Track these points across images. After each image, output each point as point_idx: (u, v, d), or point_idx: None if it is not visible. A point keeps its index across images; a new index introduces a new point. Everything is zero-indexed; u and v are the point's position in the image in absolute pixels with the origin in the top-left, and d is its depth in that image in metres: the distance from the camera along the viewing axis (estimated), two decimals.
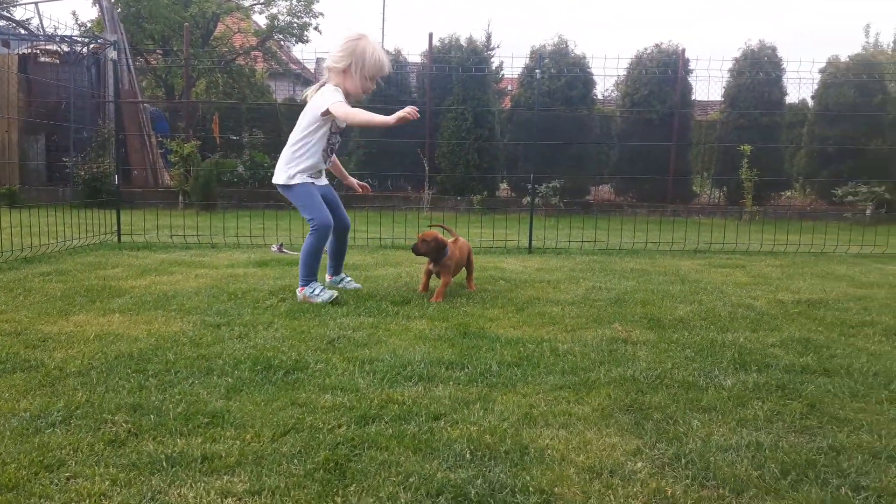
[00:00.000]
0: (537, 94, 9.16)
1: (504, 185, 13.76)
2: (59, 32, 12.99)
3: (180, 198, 11.41)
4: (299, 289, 3.98)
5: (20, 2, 15.69)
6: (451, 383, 2.60)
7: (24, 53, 13.19)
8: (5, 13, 15.36)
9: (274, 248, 6.22)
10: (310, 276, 3.99)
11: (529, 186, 7.93)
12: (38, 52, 13.34)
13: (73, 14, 18.93)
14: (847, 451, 2.06)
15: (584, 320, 3.69)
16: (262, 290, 4.24)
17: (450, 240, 4.39)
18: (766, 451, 2.03)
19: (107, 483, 1.74)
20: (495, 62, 16.15)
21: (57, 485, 1.74)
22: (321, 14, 18.69)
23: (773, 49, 12.51)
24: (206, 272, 4.95)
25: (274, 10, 18.55)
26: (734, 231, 8.27)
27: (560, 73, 12.42)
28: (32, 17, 15.26)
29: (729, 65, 12.83)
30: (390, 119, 3.68)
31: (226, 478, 1.79)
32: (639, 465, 1.93)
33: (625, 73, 13.05)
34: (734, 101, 12.54)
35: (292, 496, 1.70)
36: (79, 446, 1.95)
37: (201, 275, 4.82)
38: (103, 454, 1.91)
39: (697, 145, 13.62)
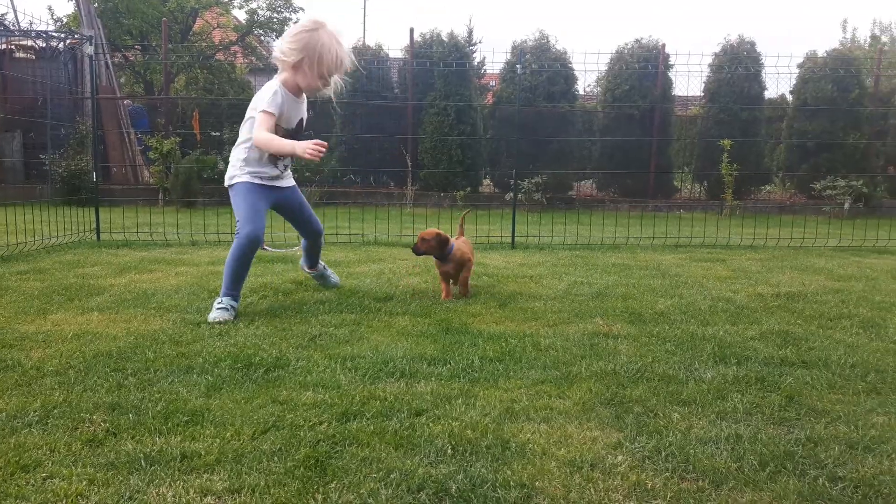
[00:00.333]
0: (519, 90, 9.16)
1: (487, 181, 13.77)
2: (35, 28, 12.79)
3: (160, 195, 11.31)
4: (222, 299, 3.55)
5: None
6: (433, 379, 2.60)
7: None
8: None
9: (267, 247, 6.18)
10: (230, 288, 3.54)
11: (512, 182, 7.93)
12: (13, 47, 13.13)
13: (49, 9, 18.68)
14: (825, 442, 2.08)
15: (566, 315, 3.70)
16: (242, 288, 4.20)
17: (453, 237, 4.19)
18: (745, 444, 2.04)
19: (84, 483, 1.72)
20: (477, 58, 16.17)
21: (33, 485, 1.72)
22: (301, 9, 18.61)
23: (753, 44, 12.60)
24: (186, 270, 4.91)
25: (253, 5, 18.43)
26: (714, 225, 8.34)
27: (542, 69, 12.44)
28: (7, 13, 15.01)
29: (709, 59, 12.92)
30: (298, 149, 3.33)
31: (205, 476, 1.78)
32: (619, 458, 1.94)
33: (606, 68, 13.10)
34: (714, 95, 12.63)
35: (272, 494, 1.69)
36: (55, 446, 1.93)
37: (182, 272, 4.78)
38: (80, 454, 1.89)
39: (678, 140, 13.71)
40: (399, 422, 2.16)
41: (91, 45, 10.36)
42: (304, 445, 1.96)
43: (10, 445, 1.93)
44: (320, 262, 4.29)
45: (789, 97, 13.22)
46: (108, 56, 13.19)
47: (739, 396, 2.45)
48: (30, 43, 13.12)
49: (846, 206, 11.38)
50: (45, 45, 12.94)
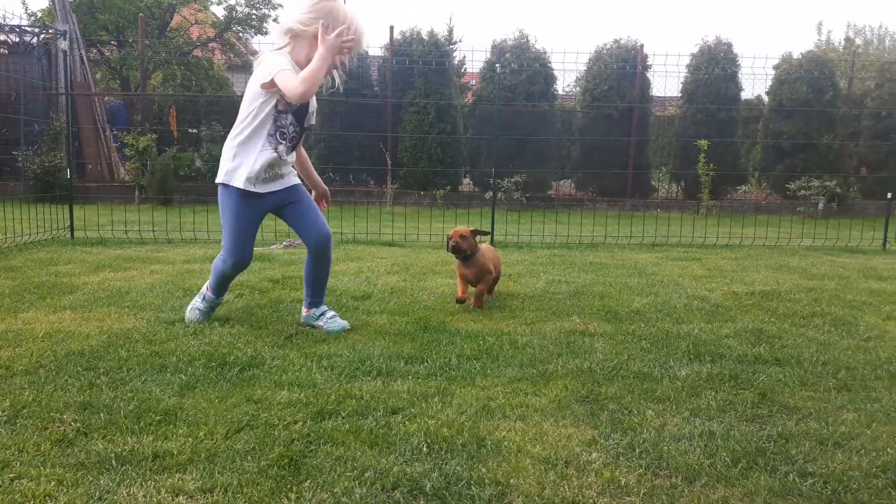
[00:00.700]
0: (498, 89, 9.17)
1: (467, 180, 13.78)
2: (8, 22, 12.57)
3: (136, 192, 11.18)
4: (205, 291, 3.39)
5: None
6: (410, 377, 2.59)
7: None
8: None
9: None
10: (214, 289, 3.37)
11: (491, 181, 7.95)
12: None
13: (23, 3, 18.34)
14: (796, 438, 2.11)
15: (543, 313, 3.71)
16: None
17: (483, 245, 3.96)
18: (718, 440, 2.06)
19: (52, 483, 1.70)
20: (458, 56, 16.16)
21: (0, 486, 1.69)
22: (280, 6, 18.48)
23: (730, 45, 12.73)
24: (161, 268, 4.85)
25: (232, 2, 18.28)
26: (691, 225, 8.41)
27: (521, 68, 12.47)
28: None
29: (686, 60, 13.04)
30: (327, 51, 2.94)
31: (177, 476, 1.76)
32: (594, 455, 1.95)
33: (585, 68, 13.16)
34: (692, 96, 12.74)
35: (245, 493, 1.67)
36: (24, 446, 1.90)
37: (157, 271, 4.73)
38: (50, 454, 1.86)
39: (656, 140, 13.82)
40: (375, 420, 2.15)
41: (65, 40, 10.19)
42: (278, 444, 1.94)
43: None
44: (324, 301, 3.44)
45: (765, 98, 13.39)
46: (83, 51, 13.01)
47: (713, 394, 2.47)
48: (2, 38, 12.89)
49: (820, 206, 11.54)
50: (18, 39, 12.73)
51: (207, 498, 1.66)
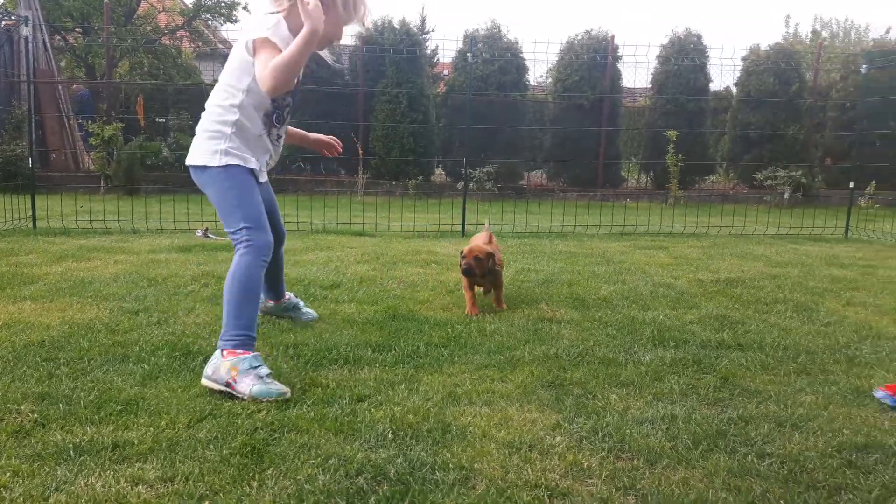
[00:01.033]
0: (470, 78, 9.16)
1: (439, 170, 13.75)
2: None
3: (102, 182, 10.97)
4: (224, 352, 2.32)
5: None
6: (377, 365, 2.59)
7: None
8: None
9: (199, 233, 6.05)
10: (242, 328, 2.39)
11: (463, 171, 7.95)
12: None
13: None
14: (755, 420, 2.15)
15: (512, 301, 3.72)
16: (184, 276, 4.11)
17: (482, 237, 3.77)
18: (680, 423, 2.10)
19: (8, 475, 1.67)
20: (430, 46, 16.10)
21: None
22: None
23: (699, 37, 12.83)
24: (126, 258, 4.78)
25: None
26: (659, 214, 8.50)
27: (493, 58, 12.45)
28: None
29: (656, 51, 13.12)
30: (312, 31, 2.34)
31: (137, 465, 1.74)
32: (557, 438, 1.96)
33: (557, 58, 13.19)
34: (661, 87, 12.83)
35: (206, 481, 1.66)
36: None
37: (121, 260, 4.65)
38: (6, 445, 1.83)
39: (627, 131, 13.91)
40: (340, 408, 2.15)
41: (28, 26, 9.94)
42: (242, 433, 1.93)
43: None
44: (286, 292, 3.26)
45: (734, 89, 13.53)
46: (46, 38, 12.70)
47: (676, 378, 2.51)
48: None
49: (786, 195, 11.73)
50: None
51: (168, 487, 1.64)
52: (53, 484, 1.63)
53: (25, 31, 12.00)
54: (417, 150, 12.26)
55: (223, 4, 18.06)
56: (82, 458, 1.76)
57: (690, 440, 1.98)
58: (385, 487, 1.66)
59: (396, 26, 12.51)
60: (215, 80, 2.72)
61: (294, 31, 2.47)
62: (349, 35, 2.54)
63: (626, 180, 13.95)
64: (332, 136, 3.31)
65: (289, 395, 2.23)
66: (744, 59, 12.97)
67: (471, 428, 2.03)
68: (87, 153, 12.49)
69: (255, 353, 2.34)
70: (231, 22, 18.03)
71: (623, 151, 13.86)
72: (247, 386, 2.20)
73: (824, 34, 25.10)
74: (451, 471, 1.75)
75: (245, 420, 2.02)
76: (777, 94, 12.36)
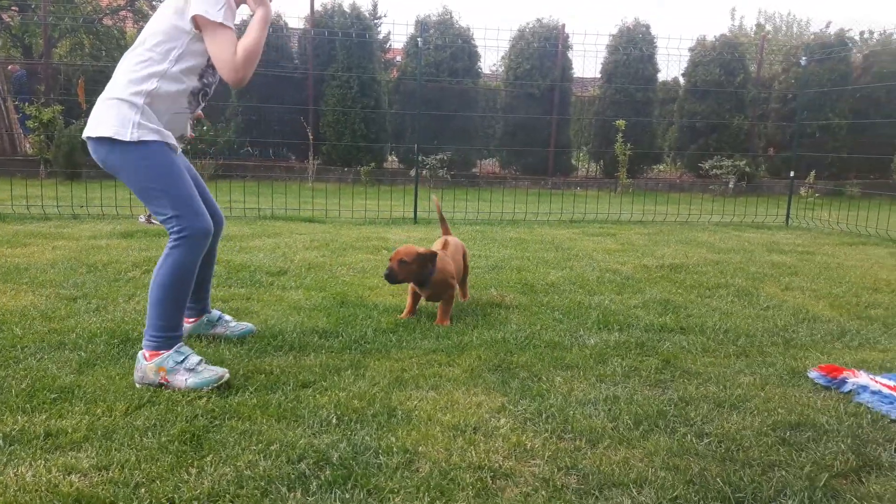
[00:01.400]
0: (421, 64, 9.11)
1: (392, 157, 13.67)
2: None
3: (42, 166, 10.58)
4: (147, 354, 2.19)
5: None
6: (324, 352, 2.57)
7: None
8: None
9: (142, 218, 5.89)
10: (169, 329, 2.23)
11: (415, 157, 7.92)
12: None
13: None
14: (695, 401, 2.20)
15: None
16: (124, 262, 4.00)
17: (438, 244, 3.30)
18: (622, 404, 2.13)
19: None
20: (383, 31, 15.94)
21: None
22: None
23: (648, 27, 13.02)
24: (65, 244, 4.62)
25: None
26: (607, 202, 8.63)
27: (445, 45, 12.41)
28: None
29: (606, 41, 13.28)
30: (266, 13, 2.33)
31: (71, 454, 1.68)
32: (502, 421, 1.98)
33: (508, 46, 13.22)
34: (611, 76, 12.99)
35: (143, 469, 1.62)
36: None
37: (59, 247, 4.50)
38: None
39: (578, 121, 14.05)
40: (284, 394, 2.12)
41: None
42: (181, 420, 1.89)
43: None
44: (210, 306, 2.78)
45: (681, 80, 13.79)
46: None
47: (619, 360, 2.55)
48: None
49: (731, 184, 12.02)
50: None
51: (102, 475, 1.59)
52: None
53: None
54: (369, 136, 12.16)
55: None
56: (12, 447, 1.70)
57: (632, 421, 2.01)
58: (327, 472, 1.65)
59: (347, 10, 12.34)
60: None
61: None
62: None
63: (576, 169, 14.10)
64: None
65: (227, 376, 2.16)
66: (691, 49, 13.21)
67: (416, 412, 2.02)
68: (25, 136, 12.03)
69: (178, 346, 2.20)
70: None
71: (573, 140, 14.00)
72: (181, 382, 2.12)
73: (768, 27, 25.76)
74: (395, 454, 1.75)
75: (185, 407, 1.98)
76: (722, 84, 12.64)
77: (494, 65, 14.78)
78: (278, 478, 1.60)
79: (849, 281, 4.23)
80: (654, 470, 1.73)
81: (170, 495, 1.51)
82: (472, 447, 1.81)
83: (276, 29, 12.35)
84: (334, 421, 1.94)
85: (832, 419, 2.08)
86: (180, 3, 2.22)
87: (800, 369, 2.55)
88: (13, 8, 16.15)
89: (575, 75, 13.52)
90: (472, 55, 12.85)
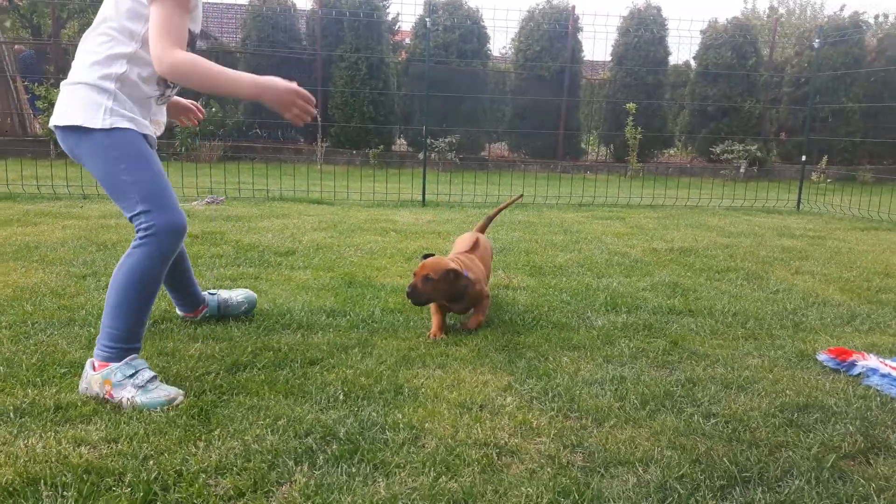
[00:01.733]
0: (429, 45, 9.05)
1: (401, 140, 13.64)
2: None
3: (52, 147, 10.62)
4: (95, 363, 1.93)
5: None
6: (331, 330, 2.57)
7: None
8: None
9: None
10: (124, 340, 1.96)
11: (423, 139, 7.89)
12: None
13: None
14: (702, 382, 2.19)
15: None
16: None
17: (466, 242, 3.01)
18: (629, 384, 2.13)
19: None
20: (391, 13, 15.83)
21: None
22: None
23: (659, 9, 12.90)
24: (75, 223, 4.64)
25: None
26: (617, 186, 8.59)
27: (454, 26, 12.33)
28: None
29: (616, 22, 13.16)
30: (282, 96, 2.18)
31: (80, 426, 1.70)
32: (508, 399, 1.98)
33: (518, 27, 13.12)
34: (621, 59, 12.90)
35: (151, 442, 1.63)
36: None
37: (69, 226, 4.52)
38: None
39: (588, 104, 13.97)
40: (292, 371, 2.13)
41: None
42: (189, 395, 1.90)
43: None
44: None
45: (693, 63, 13.67)
46: None
47: (626, 342, 2.55)
48: None
49: (742, 169, 11.94)
50: None
51: (111, 447, 1.61)
52: None
53: None
54: (378, 118, 12.13)
55: None
56: (22, 419, 1.72)
57: (638, 401, 2.01)
58: (334, 447, 1.65)
59: None
60: None
61: None
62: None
63: (586, 152, 14.03)
64: (191, 101, 2.54)
65: (180, 399, 1.87)
66: (702, 31, 13.09)
67: (423, 389, 2.03)
68: (35, 117, 12.06)
69: (129, 358, 1.92)
70: None
71: (583, 124, 13.93)
72: (126, 399, 1.84)
73: (781, 10, 25.46)
74: (402, 430, 1.75)
75: (193, 383, 1.99)
76: (734, 67, 12.52)
77: (504, 47, 14.67)
78: (285, 451, 1.61)
79: (860, 265, 4.21)
80: (660, 449, 1.73)
81: (178, 467, 1.52)
82: (477, 424, 1.81)
83: (284, 10, 12.30)
84: (341, 397, 1.94)
85: (840, 401, 2.07)
86: None
87: (809, 352, 2.54)
88: None
89: (585, 58, 13.42)
90: (482, 37, 12.77)
